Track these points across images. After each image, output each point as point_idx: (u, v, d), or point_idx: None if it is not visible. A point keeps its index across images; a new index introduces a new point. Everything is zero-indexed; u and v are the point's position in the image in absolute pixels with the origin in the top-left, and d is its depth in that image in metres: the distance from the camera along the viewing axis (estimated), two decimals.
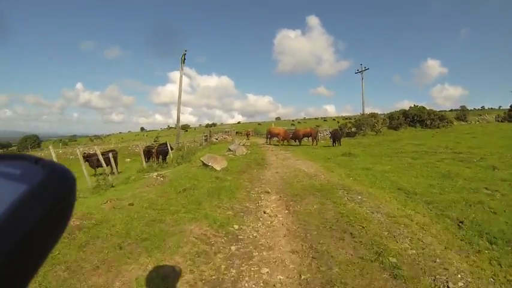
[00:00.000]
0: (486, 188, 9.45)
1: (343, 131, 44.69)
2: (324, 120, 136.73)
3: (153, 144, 37.62)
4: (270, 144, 36.90)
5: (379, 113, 50.46)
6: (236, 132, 60.28)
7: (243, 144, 31.60)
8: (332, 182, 11.50)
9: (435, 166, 14.03)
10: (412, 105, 54.42)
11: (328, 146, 31.16)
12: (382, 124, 46.14)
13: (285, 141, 37.44)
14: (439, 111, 54.42)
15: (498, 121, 61.48)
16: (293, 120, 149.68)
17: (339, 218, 7.44)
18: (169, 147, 27.39)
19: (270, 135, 38.53)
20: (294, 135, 37.81)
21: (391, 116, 49.84)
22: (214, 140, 43.47)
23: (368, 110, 53.48)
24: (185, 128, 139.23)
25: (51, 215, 0.53)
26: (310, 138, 37.37)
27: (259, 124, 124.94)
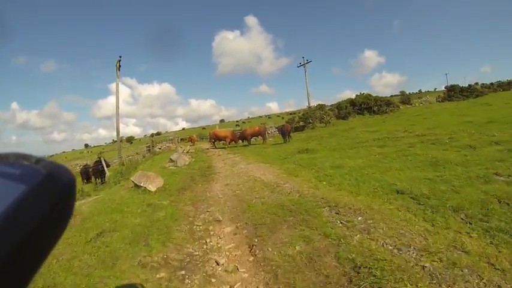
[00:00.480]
0: (497, 174, 7.71)
1: (292, 126, 42.17)
2: (269, 118, 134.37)
3: (93, 162, 33.54)
4: (215, 148, 34.39)
5: (324, 104, 48.98)
6: (181, 139, 56.66)
7: (187, 151, 28.59)
8: (305, 194, 8.43)
9: (411, 153, 12.27)
10: (358, 93, 53.01)
11: (279, 144, 28.41)
12: (330, 115, 44.36)
13: (232, 142, 35.34)
14: (384, 97, 53.24)
15: (439, 101, 63.13)
16: (237, 121, 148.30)
17: (351, 272, 4.22)
18: (104, 164, 23.69)
19: (216, 138, 35.87)
20: (242, 136, 35.18)
21: (338, 106, 48.37)
22: (157, 149, 39.87)
23: (312, 103, 51.75)
24: (130, 140, 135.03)
25: (51, 215, 0.53)
26: (259, 137, 35.39)
27: (203, 128, 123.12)
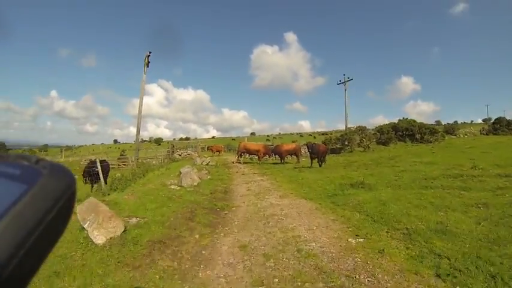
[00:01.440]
0: None
1: (327, 147, 37.28)
2: (300, 136, 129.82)
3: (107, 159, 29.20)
4: (241, 162, 29.06)
5: (365, 126, 43.59)
6: (208, 148, 51.26)
7: (207, 164, 23.65)
8: None
9: None
10: (402, 118, 47.34)
11: (315, 167, 22.45)
12: (371, 139, 39.14)
13: (265, 157, 30.60)
14: (429, 125, 47.51)
15: (483, 134, 58.05)
16: (268, 136, 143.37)
17: None
18: (99, 167, 18.63)
19: (246, 151, 30.64)
20: (275, 152, 29.92)
21: (380, 130, 42.75)
22: (177, 156, 34.85)
23: (341, 126, 46.52)
24: (158, 141, 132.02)
25: (51, 214, 0.52)
26: (292, 156, 30.44)
27: (233, 139, 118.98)
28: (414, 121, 45.71)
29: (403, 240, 6.29)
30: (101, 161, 22.55)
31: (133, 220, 7.40)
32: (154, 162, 33.94)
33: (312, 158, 22.83)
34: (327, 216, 8.38)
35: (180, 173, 15.02)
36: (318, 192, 12.02)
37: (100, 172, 17.99)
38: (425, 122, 47.04)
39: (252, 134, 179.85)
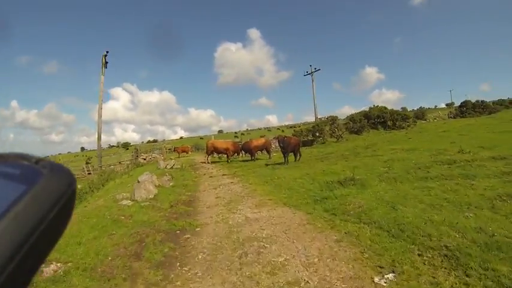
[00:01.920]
0: None
1: (299, 139, 35.55)
2: (268, 131, 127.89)
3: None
4: (209, 162, 26.78)
5: (336, 116, 41.81)
6: (174, 149, 48.30)
7: (171, 167, 21.12)
8: None
9: None
10: (372, 106, 45.62)
11: (291, 162, 20.02)
12: (342, 129, 37.50)
13: (233, 156, 28.18)
14: (400, 111, 46.18)
15: (451, 117, 58.67)
16: (236, 133, 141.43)
17: None
18: None
19: (214, 150, 27.95)
20: (245, 148, 27.75)
21: (352, 119, 40.82)
22: (142, 160, 31.94)
23: (308, 118, 44.74)
24: (126, 145, 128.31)
25: (51, 215, 0.51)
26: (263, 151, 28.64)
27: (201, 138, 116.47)
28: (385, 108, 44.17)
29: (451, 268, 4.21)
30: None
31: (50, 269, 4.93)
32: (119, 168, 31.27)
33: (284, 153, 20.25)
34: (326, 234, 6.09)
35: (138, 181, 12.67)
36: (301, 195, 9.80)
37: None
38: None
39: (220, 131, 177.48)
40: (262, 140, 28.23)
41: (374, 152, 18.99)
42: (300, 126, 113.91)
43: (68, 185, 0.54)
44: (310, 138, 37.46)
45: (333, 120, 38.74)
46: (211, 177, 16.87)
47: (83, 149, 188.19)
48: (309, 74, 50.67)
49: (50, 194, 0.51)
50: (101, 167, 33.06)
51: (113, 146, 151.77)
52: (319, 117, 45.13)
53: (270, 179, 13.41)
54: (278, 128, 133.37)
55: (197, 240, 6.51)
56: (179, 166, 21.91)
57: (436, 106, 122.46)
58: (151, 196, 10.35)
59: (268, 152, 27.04)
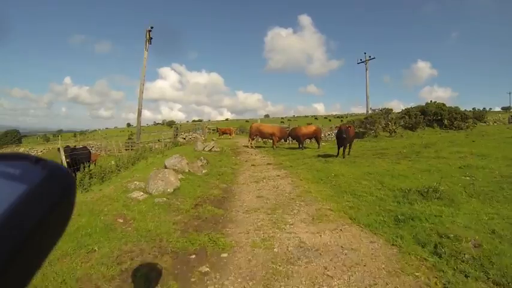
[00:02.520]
0: None
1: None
2: (315, 119, 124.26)
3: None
4: (253, 146, 24.52)
5: (391, 108, 38.15)
6: (217, 130, 45.57)
7: (210, 150, 18.67)
8: None
9: None
10: (429, 101, 41.70)
11: (333, 156, 16.99)
12: (397, 123, 33.86)
13: (279, 142, 25.14)
14: (460, 110, 41.84)
15: (511, 122, 51.71)
16: (282, 118, 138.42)
17: None
18: (62, 157, 13.76)
19: (259, 134, 25.28)
20: (293, 135, 25.07)
21: (407, 113, 37.03)
22: (181, 139, 29.59)
23: (360, 110, 41.08)
24: (171, 124, 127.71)
25: (51, 215, 0.51)
26: (311, 140, 26.08)
27: (246, 121, 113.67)
28: (444, 105, 39.98)
29: None
30: (78, 149, 18.10)
31: None
32: (157, 146, 29.08)
33: (341, 145, 16.79)
34: None
35: (165, 166, 10.24)
36: (372, 207, 6.98)
37: (64, 161, 13.40)
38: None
39: (266, 116, 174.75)
40: (313, 128, 25.11)
41: (437, 154, 15.69)
42: (347, 117, 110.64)
43: (67, 185, 0.54)
44: (361, 130, 34.37)
45: (387, 112, 35.25)
46: (253, 165, 14.33)
47: (129, 124, 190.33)
48: (363, 62, 46.66)
49: (49, 194, 0.50)
50: (138, 143, 30.93)
51: (158, 123, 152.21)
52: (372, 108, 41.50)
53: (326, 177, 10.59)
54: (325, 117, 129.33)
55: (219, 281, 3.94)
56: (218, 149, 19.41)
57: (490, 109, 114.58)
58: (170, 190, 7.70)
59: (318, 141, 24.20)
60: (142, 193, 7.37)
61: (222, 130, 42.84)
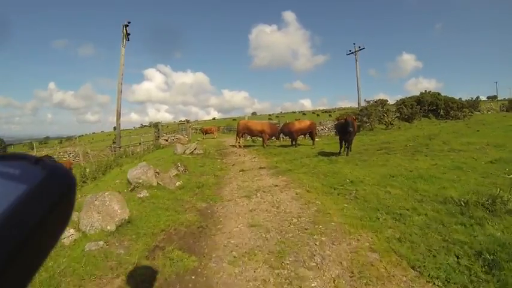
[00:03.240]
0: None
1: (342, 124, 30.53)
2: (303, 114, 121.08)
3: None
4: (241, 146, 21.60)
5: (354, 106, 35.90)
6: (202, 130, 41.70)
7: (191, 152, 15.80)
8: None
9: None
10: (424, 91, 39.43)
11: (334, 154, 14.43)
12: (391, 115, 31.94)
13: (269, 140, 22.46)
14: (456, 99, 39.56)
15: (503, 110, 51.31)
16: (270, 115, 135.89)
17: None
18: None
19: (247, 132, 22.59)
20: (285, 131, 22.04)
21: (403, 103, 34.81)
22: (163, 141, 26.56)
23: (343, 104, 38.77)
24: (156, 125, 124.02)
25: (51, 215, 0.50)
26: (306, 136, 23.22)
27: (234, 120, 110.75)
28: (439, 94, 38.02)
29: None
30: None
31: None
32: (138, 149, 26.73)
33: (344, 141, 14.34)
34: None
35: (128, 181, 7.57)
36: (433, 239, 4.34)
37: None
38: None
39: (253, 113, 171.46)
40: (307, 122, 22.45)
41: (448, 146, 13.86)
42: (335, 111, 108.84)
43: (67, 186, 0.53)
44: (357, 123, 32.02)
45: (382, 104, 32.88)
46: (243, 171, 11.40)
47: (115, 128, 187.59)
48: (352, 53, 43.97)
49: (49, 194, 0.50)
50: (119, 147, 28.44)
51: (145, 125, 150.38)
52: (366, 100, 38.72)
53: (339, 184, 7.93)
54: (313, 112, 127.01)
55: None
56: (201, 151, 16.53)
57: (478, 97, 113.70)
58: (111, 227, 4.82)
59: (313, 137, 21.73)
60: (73, 231, 4.66)
61: (205, 130, 40.26)
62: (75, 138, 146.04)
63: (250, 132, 22.20)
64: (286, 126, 22.28)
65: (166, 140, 26.88)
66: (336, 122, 15.77)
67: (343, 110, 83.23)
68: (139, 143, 32.12)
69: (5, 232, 0.43)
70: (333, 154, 14.24)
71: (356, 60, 43.59)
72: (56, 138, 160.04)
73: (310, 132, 21.82)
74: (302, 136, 23.04)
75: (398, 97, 34.63)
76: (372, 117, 30.65)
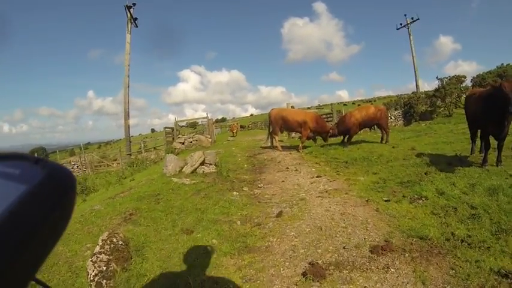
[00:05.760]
0: None
1: (415, 110, 24.55)
2: (344, 105, 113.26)
3: None
4: (278, 148, 13.56)
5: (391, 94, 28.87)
6: (230, 129, 34.67)
7: (193, 171, 8.16)
8: None
9: None
10: (504, 64, 30.26)
11: (450, 158, 7.65)
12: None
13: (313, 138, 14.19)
14: None
15: None
16: (309, 108, 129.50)
17: None
18: None
19: (284, 125, 13.87)
20: (341, 126, 13.43)
21: (483, 79, 26.11)
22: (178, 145, 19.20)
23: (381, 93, 31.01)
24: (194, 125, 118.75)
25: (51, 215, 0.50)
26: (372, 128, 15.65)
27: None
28: None
29: None
30: None
31: None
32: (153, 156, 20.18)
33: (485, 134, 6.75)
34: None
35: None
36: None
37: None
38: None
39: (292, 107, 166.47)
40: (371, 109, 13.79)
41: None
42: (375, 100, 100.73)
43: (67, 186, 0.52)
44: (428, 108, 24.32)
45: (459, 81, 24.58)
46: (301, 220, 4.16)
47: (153, 130, 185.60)
48: (404, 26, 34.77)
49: (49, 194, 0.49)
50: (130, 154, 22.54)
51: (183, 126, 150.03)
52: (439, 77, 29.87)
53: None
54: (353, 103, 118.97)
55: None
56: (214, 168, 8.74)
57: None
58: None
59: (384, 129, 13.45)
60: None
61: (231, 128, 34.20)
62: (113, 142, 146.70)
63: (288, 126, 14.08)
64: (343, 120, 13.80)
65: (183, 143, 19.48)
66: (468, 95, 8.04)
67: (383, 99, 75.51)
68: (154, 148, 25.61)
69: (5, 232, 0.42)
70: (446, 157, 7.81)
71: (409, 34, 34.69)
72: (96, 143, 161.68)
73: (379, 124, 13.76)
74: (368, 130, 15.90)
75: (436, 83, 24.97)
76: (448, 100, 22.98)
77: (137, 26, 24.45)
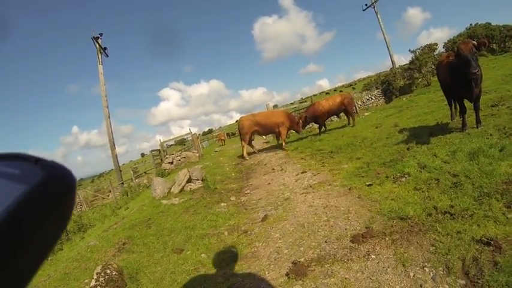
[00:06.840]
0: None
1: (393, 86, 24.38)
2: (326, 94, 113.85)
3: None
4: (256, 151, 14.36)
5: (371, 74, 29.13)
6: (218, 137, 36.12)
7: (181, 190, 8.30)
8: None
9: None
10: (473, 24, 30.45)
11: (431, 127, 8.01)
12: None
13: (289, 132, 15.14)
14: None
15: None
16: (292, 103, 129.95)
17: None
18: None
19: (260, 130, 14.18)
20: (310, 115, 14.82)
21: (454, 43, 26.03)
22: (167, 165, 19.18)
23: (360, 75, 31.22)
24: (182, 142, 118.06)
25: (51, 215, 0.49)
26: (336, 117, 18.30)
27: None
28: (490, 24, 29.04)
29: None
30: None
31: None
32: (145, 181, 20.27)
33: (459, 97, 6.98)
34: None
35: None
36: None
37: None
38: None
39: (275, 106, 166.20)
40: (337, 99, 15.23)
41: None
42: (356, 84, 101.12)
43: (67, 186, 0.51)
44: (407, 82, 24.52)
45: (432, 49, 24.66)
46: (295, 264, 3.64)
47: (143, 154, 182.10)
48: (369, 6, 35.15)
49: (49, 194, 0.48)
50: (122, 183, 21.98)
51: (172, 145, 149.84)
52: (412, 49, 30.17)
53: None
54: (334, 90, 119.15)
55: None
56: (201, 182, 8.78)
57: None
58: None
59: (351, 114, 15.03)
60: None
61: (218, 137, 35.78)
62: (105, 174, 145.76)
63: (264, 128, 14.27)
64: (311, 109, 15.10)
65: (171, 163, 19.41)
66: (437, 64, 8.33)
67: (364, 81, 75.89)
68: (145, 172, 25.39)
69: (4, 232, 0.41)
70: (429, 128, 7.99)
71: (376, 13, 34.82)
72: (89, 178, 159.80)
73: (346, 109, 15.03)
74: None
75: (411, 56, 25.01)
76: (425, 69, 23.12)
77: (108, 56, 24.11)
